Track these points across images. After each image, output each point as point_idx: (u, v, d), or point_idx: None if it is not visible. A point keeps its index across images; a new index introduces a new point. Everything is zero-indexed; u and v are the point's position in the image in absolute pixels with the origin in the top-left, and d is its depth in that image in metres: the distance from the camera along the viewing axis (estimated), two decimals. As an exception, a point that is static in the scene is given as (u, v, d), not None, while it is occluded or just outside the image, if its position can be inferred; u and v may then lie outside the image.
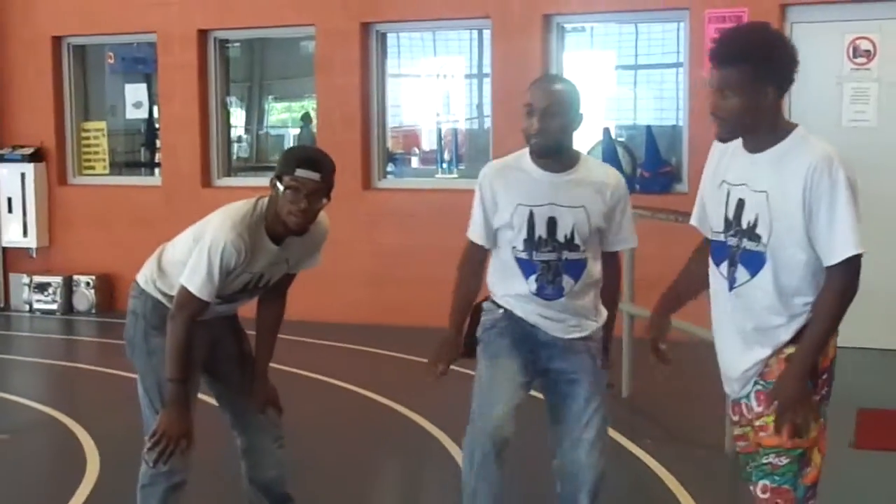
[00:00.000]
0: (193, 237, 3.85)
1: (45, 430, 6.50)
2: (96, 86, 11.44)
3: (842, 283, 3.06)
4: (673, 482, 5.30)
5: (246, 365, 4.14)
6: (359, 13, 9.60)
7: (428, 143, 10.88)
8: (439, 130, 10.62)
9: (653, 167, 8.92)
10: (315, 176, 3.69)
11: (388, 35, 9.90)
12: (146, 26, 10.38)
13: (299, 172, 3.68)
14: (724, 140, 3.17)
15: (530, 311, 3.83)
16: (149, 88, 11.01)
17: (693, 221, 3.51)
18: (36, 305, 10.52)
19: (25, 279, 10.58)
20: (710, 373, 3.48)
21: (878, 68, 8.15)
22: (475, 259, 3.99)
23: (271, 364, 4.24)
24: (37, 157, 10.73)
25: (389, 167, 10.12)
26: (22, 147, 10.75)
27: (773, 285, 3.12)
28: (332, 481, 5.40)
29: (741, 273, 3.17)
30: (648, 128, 9.14)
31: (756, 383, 3.21)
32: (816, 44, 7.92)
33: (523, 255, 3.79)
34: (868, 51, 8.17)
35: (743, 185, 3.18)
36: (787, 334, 3.15)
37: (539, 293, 3.79)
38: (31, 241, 10.80)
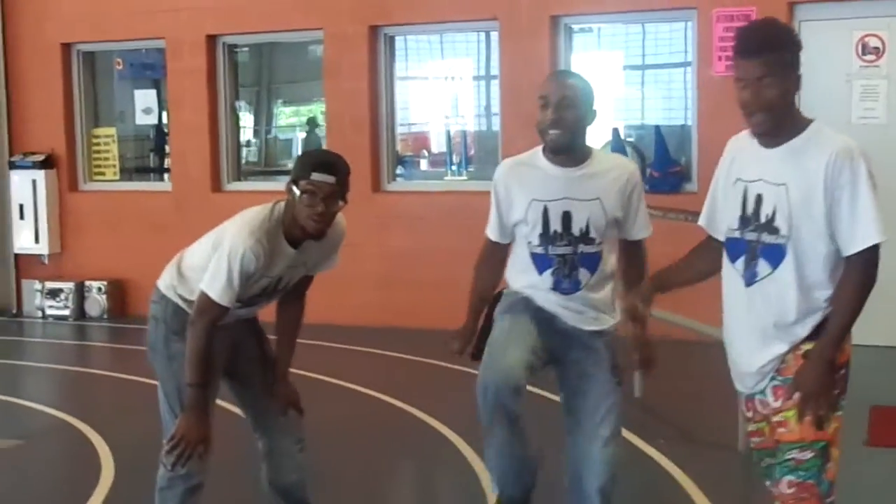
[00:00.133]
0: (212, 244, 3.87)
1: (60, 436, 6.52)
2: (106, 92, 11.48)
3: (861, 273, 3.08)
4: (687, 482, 5.29)
5: (267, 367, 4.16)
6: (367, 17, 9.61)
7: (437, 145, 10.88)
8: (448, 133, 10.63)
9: (662, 167, 8.91)
10: (330, 179, 3.71)
11: (396, 38, 9.92)
12: (155, 32, 10.41)
13: (315, 176, 3.70)
14: (763, 132, 3.18)
15: (549, 301, 3.85)
16: (157, 94, 11.04)
17: (701, 222, 3.53)
18: (48, 311, 10.56)
19: (38, 285, 10.62)
20: (722, 372, 3.48)
21: (887, 65, 8.13)
22: (492, 255, 4.04)
23: (285, 368, 4.24)
24: (48, 163, 10.77)
25: (398, 170, 10.13)
26: (33, 154, 10.81)
27: (795, 277, 3.14)
28: (347, 485, 5.41)
29: (762, 267, 3.18)
30: (657, 128, 9.14)
31: (773, 378, 3.22)
32: (825, 41, 7.91)
33: (539, 250, 3.81)
34: (877, 48, 8.15)
35: (760, 180, 3.19)
36: (804, 330, 3.16)
37: (556, 287, 3.82)
38: (42, 248, 10.84)
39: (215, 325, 3.78)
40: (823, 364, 3.10)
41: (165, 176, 11.20)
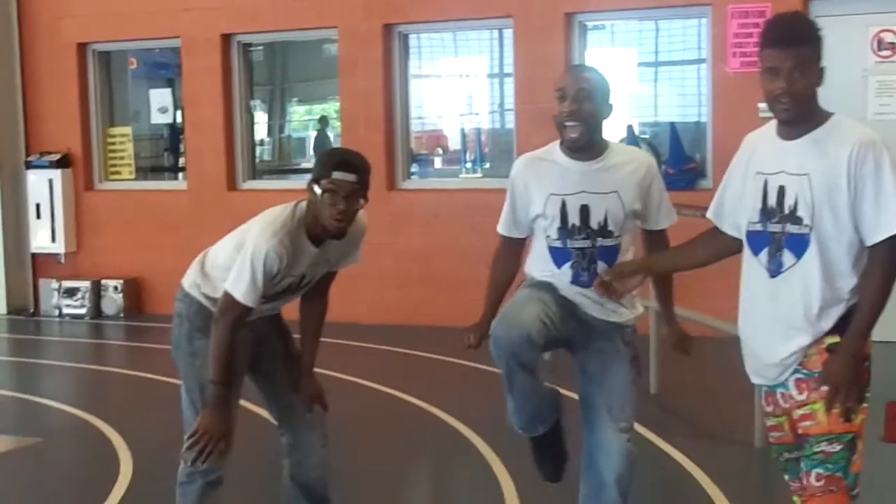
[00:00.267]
0: (235, 244, 3.90)
1: (78, 434, 6.56)
2: (121, 92, 11.53)
3: (887, 262, 3.10)
4: (703, 478, 5.29)
5: (291, 362, 4.18)
6: (381, 15, 9.63)
7: (451, 143, 10.90)
8: (462, 130, 10.64)
9: (677, 164, 8.91)
10: (351, 178, 3.73)
11: (410, 36, 9.93)
12: (170, 31, 10.45)
13: (336, 175, 3.72)
14: (788, 119, 3.19)
15: (570, 291, 3.86)
16: (172, 93, 11.09)
17: (709, 214, 3.54)
18: (65, 310, 10.61)
19: (54, 284, 10.67)
20: (738, 368, 3.48)
21: (903, 61, 8.13)
22: (507, 251, 4.05)
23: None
24: (64, 163, 10.83)
25: (413, 168, 10.15)
26: (49, 153, 10.86)
27: (819, 267, 3.15)
28: (363, 482, 5.43)
29: (787, 257, 3.20)
30: (672, 125, 9.14)
31: (796, 371, 3.23)
32: (841, 37, 7.88)
33: (557, 244, 3.82)
34: (893, 43, 8.13)
35: (781, 172, 3.21)
36: (828, 322, 3.17)
37: (575, 280, 3.83)
38: (59, 247, 10.90)
39: (239, 323, 3.81)
40: (852, 355, 3.12)
41: (180, 175, 11.25)
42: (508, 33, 9.49)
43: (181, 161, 11.20)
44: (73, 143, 10.90)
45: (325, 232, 3.82)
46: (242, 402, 4.09)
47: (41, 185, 10.81)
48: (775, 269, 3.23)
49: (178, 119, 11.08)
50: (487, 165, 10.44)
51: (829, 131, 3.17)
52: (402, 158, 9.86)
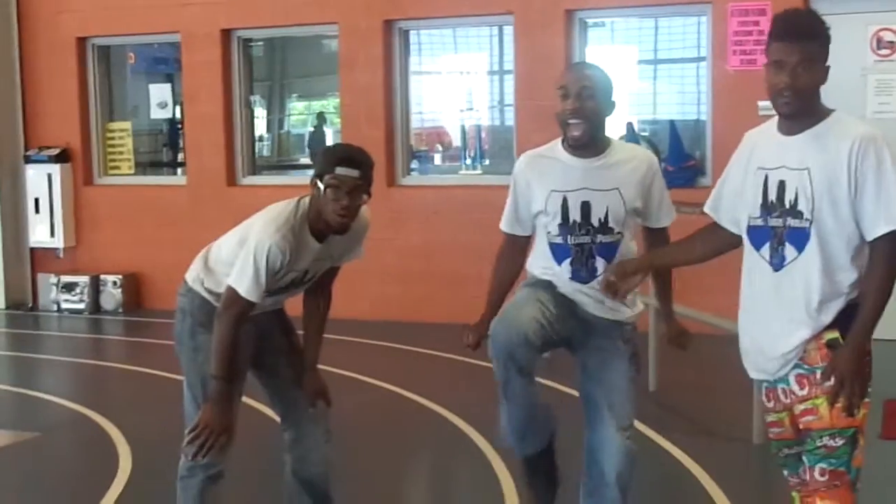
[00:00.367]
0: (238, 239, 3.91)
1: (77, 428, 6.56)
2: (120, 86, 11.53)
3: (888, 255, 3.12)
4: (702, 474, 5.31)
5: (294, 358, 4.18)
6: (381, 11, 9.63)
7: (451, 139, 10.90)
8: (462, 127, 10.65)
9: (677, 161, 8.92)
10: (354, 173, 3.74)
11: (410, 32, 9.93)
12: (170, 26, 10.44)
13: (339, 170, 3.73)
14: (790, 113, 3.21)
15: (569, 288, 3.88)
16: (171, 88, 11.08)
17: (706, 208, 3.56)
18: (64, 305, 10.61)
19: (53, 279, 10.67)
20: (736, 365, 3.49)
21: (902, 59, 8.14)
22: (510, 248, 4.07)
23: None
24: (63, 157, 10.82)
25: (413, 164, 10.15)
26: (48, 148, 10.86)
27: (818, 260, 3.17)
28: (364, 478, 5.44)
29: (790, 251, 3.22)
30: (672, 122, 9.15)
31: (796, 366, 3.24)
32: (840, 35, 7.76)
33: (558, 240, 3.84)
34: (892, 42, 8.15)
35: (781, 167, 3.23)
36: (828, 316, 3.19)
37: (574, 276, 3.85)
38: (58, 242, 10.90)
39: (242, 318, 3.82)
40: (856, 349, 3.14)
41: (179, 170, 11.25)
42: (508, 30, 9.50)
43: (180, 156, 11.20)
44: (72, 138, 10.89)
45: (327, 227, 3.83)
46: (244, 399, 4.09)
47: (40, 179, 10.81)
48: (778, 263, 3.24)
49: (178, 114, 11.09)
50: (487, 162, 10.45)
51: (829, 127, 3.19)
52: (402, 155, 9.87)
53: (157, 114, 11.15)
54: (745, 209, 3.35)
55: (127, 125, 11.14)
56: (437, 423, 6.41)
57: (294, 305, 4.21)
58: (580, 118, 3.74)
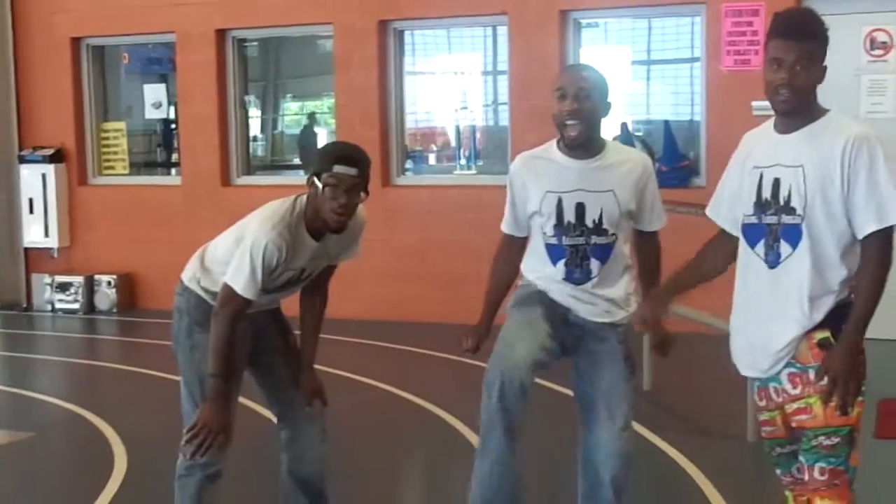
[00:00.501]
0: (235, 238, 3.91)
1: (72, 428, 6.56)
2: (115, 87, 11.53)
3: (878, 253, 3.15)
4: (697, 473, 5.33)
5: (291, 356, 4.19)
6: (376, 11, 9.64)
7: (446, 139, 10.91)
8: (457, 127, 10.65)
9: (671, 162, 8.94)
10: (352, 171, 3.75)
11: (405, 32, 9.94)
12: (165, 26, 10.44)
13: (337, 169, 3.73)
14: (786, 111, 3.23)
15: (562, 292, 3.89)
16: (166, 88, 11.08)
17: (708, 212, 3.57)
18: (58, 305, 10.60)
19: (47, 279, 10.66)
20: (731, 364, 3.50)
21: (895, 60, 8.16)
22: (508, 250, 4.09)
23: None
24: (57, 157, 10.82)
25: (408, 164, 10.16)
26: (43, 148, 10.85)
27: (809, 257, 3.19)
28: (358, 477, 5.44)
29: (784, 247, 3.24)
30: (666, 122, 9.17)
31: (788, 365, 3.26)
32: (833, 36, 7.75)
33: (553, 241, 3.86)
34: (885, 42, 8.18)
35: (776, 164, 3.26)
36: (818, 313, 3.21)
37: (568, 277, 3.86)
38: (52, 242, 10.89)
39: (238, 316, 3.82)
40: (849, 348, 3.16)
41: (173, 170, 11.24)
42: (503, 30, 9.51)
43: (174, 156, 11.20)
44: (66, 138, 10.89)
45: (325, 226, 3.83)
46: (241, 399, 4.10)
47: (34, 179, 10.80)
48: (774, 260, 3.26)
49: (172, 114, 11.09)
50: (481, 162, 10.45)
51: (825, 125, 3.22)
52: (397, 154, 9.88)
53: (151, 114, 11.14)
54: (741, 209, 3.37)
55: (121, 125, 11.13)
56: (432, 423, 6.42)
57: (290, 305, 4.21)
58: (577, 119, 3.76)
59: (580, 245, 3.83)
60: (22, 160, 10.87)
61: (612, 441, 3.86)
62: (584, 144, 3.82)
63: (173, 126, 11.11)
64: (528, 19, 9.16)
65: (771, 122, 3.36)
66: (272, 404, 4.28)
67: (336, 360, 7.57)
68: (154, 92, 11.07)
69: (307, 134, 11.89)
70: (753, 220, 3.31)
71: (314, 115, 11.89)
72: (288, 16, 10.02)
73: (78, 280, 10.55)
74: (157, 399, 6.52)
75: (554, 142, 3.91)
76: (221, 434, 3.83)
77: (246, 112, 10.70)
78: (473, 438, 5.87)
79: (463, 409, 6.39)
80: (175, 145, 11.10)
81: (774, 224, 3.25)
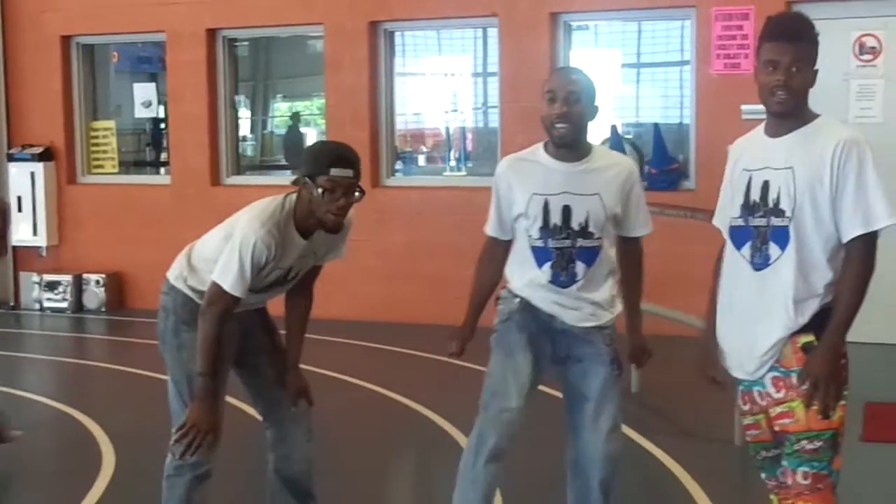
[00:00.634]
0: (223, 235, 3.91)
1: (60, 427, 6.55)
2: (105, 85, 11.51)
3: (862, 257, 3.16)
4: (684, 475, 5.34)
5: (277, 356, 4.19)
6: (366, 12, 9.64)
7: (436, 141, 10.92)
8: (447, 128, 10.67)
9: (660, 164, 8.96)
10: (349, 173, 3.75)
11: (395, 34, 9.95)
12: (155, 25, 10.43)
13: (334, 172, 3.72)
14: (782, 112, 3.24)
15: (546, 299, 3.90)
16: (155, 87, 11.07)
17: (714, 222, 3.56)
18: (46, 304, 10.58)
19: (35, 278, 10.64)
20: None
21: (884, 65, 8.20)
22: (491, 252, 4.09)
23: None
24: (46, 156, 10.79)
25: (397, 165, 10.17)
26: (31, 146, 10.82)
27: (795, 258, 3.20)
28: (346, 477, 5.45)
29: (773, 249, 3.24)
30: (656, 125, 9.19)
31: (772, 369, 3.26)
32: (823, 40, 7.77)
33: (538, 243, 3.86)
34: (874, 47, 8.21)
35: (766, 167, 3.27)
36: (803, 316, 3.21)
37: (554, 280, 3.86)
38: (40, 240, 10.87)
39: (226, 315, 3.81)
40: (830, 350, 3.17)
41: (162, 169, 11.23)
42: (493, 32, 9.52)
43: (163, 156, 11.18)
44: (55, 137, 10.86)
45: (318, 225, 3.83)
46: (228, 398, 4.10)
47: (23, 177, 10.77)
48: (762, 263, 3.27)
49: (161, 113, 11.07)
50: (471, 164, 10.47)
51: (816, 129, 3.24)
52: (387, 155, 9.88)
53: (141, 113, 11.12)
54: (729, 211, 3.38)
55: (111, 124, 11.11)
56: (419, 423, 6.43)
57: (276, 305, 4.21)
58: (567, 122, 3.77)
59: (566, 248, 3.84)
60: (10, 158, 10.84)
61: (601, 444, 3.87)
62: (571, 146, 3.83)
63: (163, 125, 11.10)
64: (518, 21, 9.17)
65: (760, 127, 3.37)
66: (258, 404, 4.27)
67: (324, 361, 7.59)
68: (144, 91, 11.05)
69: (292, 134, 11.91)
70: (740, 222, 3.33)
71: (298, 115, 11.91)
72: (278, 16, 10.02)
73: (66, 279, 10.53)
74: (145, 398, 6.51)
75: (540, 144, 3.92)
76: (211, 433, 3.84)
77: (236, 112, 10.69)
78: (461, 438, 5.90)
79: (450, 409, 6.40)
80: (164, 144, 11.08)
81: (762, 226, 3.26)
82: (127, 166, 11.41)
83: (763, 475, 3.46)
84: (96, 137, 11.05)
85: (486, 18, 9.43)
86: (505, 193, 3.95)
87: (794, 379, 3.22)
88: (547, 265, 3.86)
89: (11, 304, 10.90)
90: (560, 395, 4.07)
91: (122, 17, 10.49)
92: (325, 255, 4.08)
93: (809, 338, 3.21)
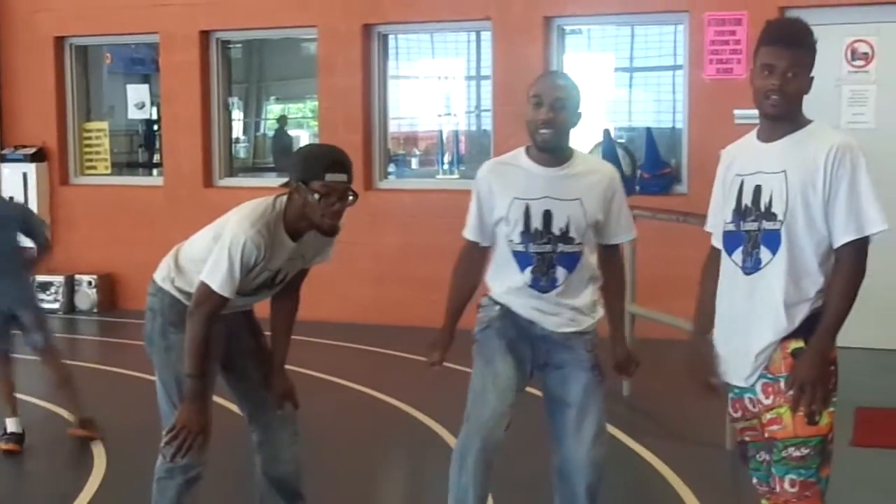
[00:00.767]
0: (213, 235, 3.90)
1: (51, 427, 6.54)
2: (98, 86, 11.50)
3: (853, 263, 3.16)
4: (675, 479, 5.35)
5: (262, 359, 4.18)
6: (360, 15, 9.65)
7: (429, 144, 10.93)
8: (440, 131, 10.67)
9: (652, 169, 8.97)
10: (344, 178, 3.75)
11: (389, 37, 9.95)
12: (148, 27, 10.43)
13: (329, 178, 3.72)
14: (776, 115, 3.25)
15: (526, 305, 3.89)
16: (148, 89, 11.06)
17: (707, 228, 3.57)
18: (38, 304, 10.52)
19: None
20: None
21: (876, 70, 8.22)
22: (469, 257, 4.08)
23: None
24: (39, 157, 10.78)
25: (390, 168, 10.17)
26: (24, 147, 10.81)
27: (786, 262, 3.20)
28: (338, 479, 5.45)
29: (765, 254, 3.24)
30: (648, 130, 9.20)
31: (762, 376, 3.26)
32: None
33: (519, 248, 3.85)
34: (866, 53, 8.23)
35: (758, 172, 3.27)
36: (793, 321, 3.21)
37: (534, 285, 3.85)
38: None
39: (214, 315, 3.80)
40: (818, 355, 3.17)
41: (155, 171, 11.22)
42: (486, 35, 9.53)
43: (156, 157, 11.17)
44: (48, 138, 10.85)
45: (312, 228, 3.83)
46: (215, 399, 4.09)
47: (16, 178, 10.74)
48: (753, 267, 3.27)
49: (155, 115, 11.06)
50: (464, 167, 10.47)
51: (809, 133, 3.25)
52: (380, 158, 9.89)
53: (134, 114, 11.12)
54: (721, 217, 3.39)
55: (104, 125, 11.11)
56: (409, 425, 6.44)
57: (261, 307, 4.21)
58: (552, 128, 3.78)
59: (547, 253, 3.83)
60: (3, 159, 10.83)
61: (585, 451, 3.85)
62: (554, 151, 3.84)
63: (156, 127, 11.09)
64: (511, 25, 9.19)
65: (752, 133, 3.38)
66: (243, 407, 4.26)
67: (316, 362, 7.60)
68: (137, 92, 11.04)
69: (280, 137, 11.93)
70: (732, 227, 3.33)
71: (285, 118, 11.93)
72: (272, 18, 10.02)
73: (58, 280, 10.51)
74: (135, 399, 6.49)
75: (522, 149, 3.93)
76: (201, 434, 3.83)
77: (229, 114, 10.69)
78: (450, 439, 5.89)
79: (441, 411, 6.41)
80: (157, 146, 11.07)
81: (754, 231, 3.26)
82: (120, 167, 11.40)
83: (754, 480, 3.46)
84: (89, 138, 11.04)
85: (480, 22, 9.44)
86: (486, 197, 3.94)
87: (781, 384, 3.22)
88: (528, 270, 3.85)
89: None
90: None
91: (116, 18, 10.49)
92: (312, 258, 4.07)
93: (799, 343, 3.21)
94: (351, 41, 9.69)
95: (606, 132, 9.12)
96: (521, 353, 3.92)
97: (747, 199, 3.29)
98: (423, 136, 10.93)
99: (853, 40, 8.23)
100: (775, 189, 3.22)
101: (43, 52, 10.79)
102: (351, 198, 3.80)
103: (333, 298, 9.22)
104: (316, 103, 10.30)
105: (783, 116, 3.24)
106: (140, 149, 11.79)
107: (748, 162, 3.33)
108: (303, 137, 11.77)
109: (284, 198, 3.85)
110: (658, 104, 9.81)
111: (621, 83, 9.90)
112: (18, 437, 6.05)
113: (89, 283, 10.52)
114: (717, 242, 3.47)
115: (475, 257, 4.07)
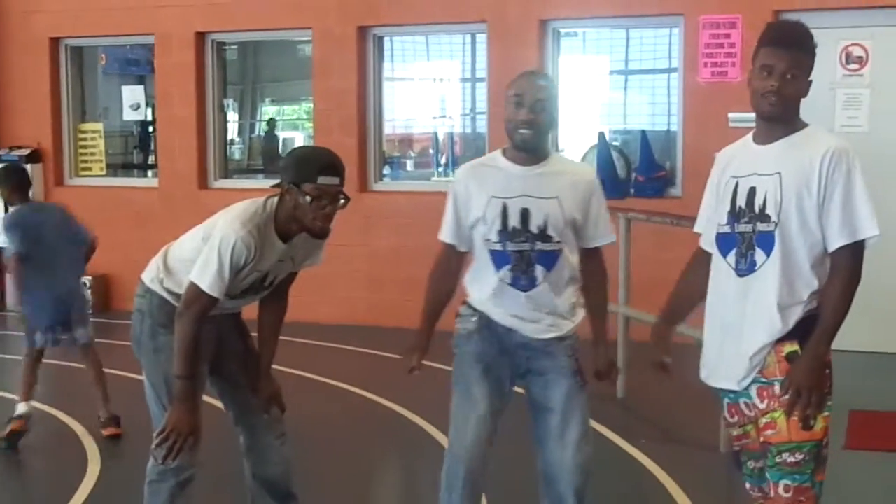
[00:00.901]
0: (202, 235, 3.88)
1: (45, 428, 6.53)
2: (93, 88, 11.49)
3: (848, 267, 3.17)
4: (669, 482, 5.35)
5: (250, 362, 4.17)
6: (355, 17, 9.65)
7: (424, 146, 10.93)
8: (435, 134, 10.68)
9: (647, 172, 8.98)
10: (336, 181, 3.75)
11: (384, 39, 9.96)
12: (144, 28, 10.42)
13: (322, 181, 3.72)
14: (772, 116, 3.25)
15: (504, 314, 3.87)
16: (143, 90, 11.06)
17: (696, 229, 3.57)
18: (32, 306, 10.50)
19: (22, 279, 10.56)
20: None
21: (870, 74, 8.24)
22: (446, 262, 4.07)
23: (268, 364, 4.27)
24: (34, 158, 10.75)
25: (385, 170, 10.18)
26: (19, 148, 10.79)
27: (779, 264, 3.20)
28: (331, 480, 5.46)
29: (759, 255, 3.25)
30: (643, 132, 9.21)
31: (756, 380, 3.27)
32: (809, 50, 7.97)
33: (497, 247, 3.83)
34: (860, 57, 8.25)
35: (753, 174, 3.28)
36: (786, 324, 3.21)
37: (513, 283, 3.82)
38: (27, 242, 10.80)
39: (204, 316, 3.78)
40: (815, 359, 3.17)
41: (150, 172, 11.21)
42: (482, 38, 9.53)
43: (151, 158, 11.17)
44: (43, 138, 10.84)
45: (303, 230, 3.82)
46: (205, 399, 4.08)
47: (11, 179, 10.72)
48: (747, 269, 3.27)
49: (150, 116, 11.06)
50: (459, 169, 10.46)
51: (805, 136, 3.26)
52: (375, 160, 9.89)
53: (129, 115, 11.11)
54: (716, 219, 3.39)
55: (99, 126, 11.10)
56: (402, 425, 6.45)
57: (248, 309, 4.20)
58: (531, 129, 3.78)
59: (525, 251, 3.80)
60: (-2, 159, 10.81)
61: (570, 456, 3.84)
62: (532, 151, 3.84)
63: (151, 128, 11.08)
64: (507, 28, 9.19)
65: (748, 136, 3.39)
66: (230, 410, 4.25)
67: (309, 364, 7.60)
68: (132, 93, 11.04)
69: (269, 139, 11.93)
70: (726, 229, 3.34)
71: (274, 120, 11.94)
72: (267, 20, 10.02)
73: (53, 281, 10.47)
74: (129, 399, 6.43)
75: (499, 151, 3.93)
76: (191, 435, 3.82)
77: (224, 115, 10.69)
78: (443, 440, 5.88)
79: (433, 412, 6.40)
80: (152, 147, 11.07)
81: (748, 232, 3.27)
82: (115, 169, 11.39)
83: (748, 485, 3.46)
84: (84, 139, 11.03)
85: (475, 24, 9.45)
86: (464, 200, 3.92)
87: (776, 388, 3.22)
88: (505, 269, 3.83)
89: (-3, 305, 10.85)
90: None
91: (111, 19, 10.49)
92: (302, 261, 4.06)
93: (794, 347, 3.21)
94: (346, 43, 9.69)
95: (601, 135, 9.13)
96: (498, 373, 3.91)
97: (742, 201, 3.29)
98: (419, 139, 10.93)
99: (848, 44, 8.25)
100: (769, 191, 3.22)
101: (38, 53, 10.78)
102: (342, 201, 3.79)
103: (328, 300, 9.23)
104: (311, 105, 10.30)
105: (780, 118, 3.25)
106: (135, 150, 11.78)
107: (743, 164, 3.33)
108: (298, 139, 11.77)
109: (275, 199, 3.84)
110: (653, 107, 9.83)
111: (616, 86, 9.92)
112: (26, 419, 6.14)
113: (83, 284, 10.47)
114: (706, 244, 3.48)
115: (452, 262, 4.05)
